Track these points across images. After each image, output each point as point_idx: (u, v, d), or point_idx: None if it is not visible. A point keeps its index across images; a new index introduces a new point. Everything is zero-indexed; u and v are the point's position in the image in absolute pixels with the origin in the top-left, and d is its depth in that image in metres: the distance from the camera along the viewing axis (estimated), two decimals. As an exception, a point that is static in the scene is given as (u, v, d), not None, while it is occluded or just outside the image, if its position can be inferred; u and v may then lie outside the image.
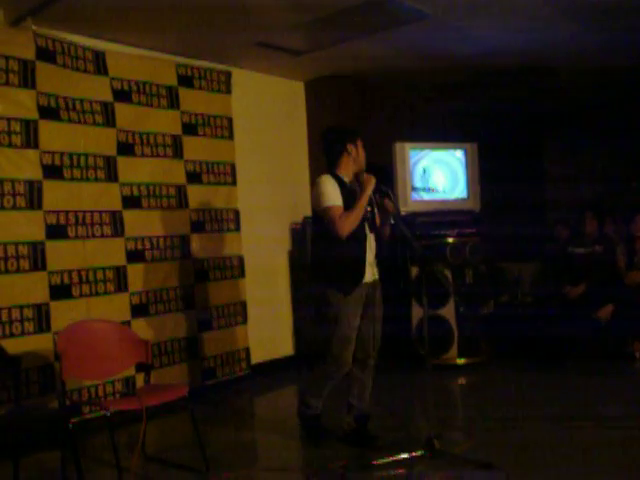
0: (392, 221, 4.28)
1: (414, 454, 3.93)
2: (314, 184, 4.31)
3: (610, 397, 5.26)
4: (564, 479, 3.68)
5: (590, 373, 5.98)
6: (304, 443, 4.53)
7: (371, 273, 4.26)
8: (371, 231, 4.28)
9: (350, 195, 4.20)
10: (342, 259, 4.15)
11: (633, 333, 6.38)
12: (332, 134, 4.43)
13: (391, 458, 3.92)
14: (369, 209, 4.26)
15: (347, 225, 4.06)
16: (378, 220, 4.38)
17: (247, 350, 6.41)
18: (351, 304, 4.16)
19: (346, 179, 4.28)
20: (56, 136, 5.06)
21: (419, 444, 3.97)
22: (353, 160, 4.30)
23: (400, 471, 3.83)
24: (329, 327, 4.19)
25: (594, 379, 5.78)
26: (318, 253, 4.37)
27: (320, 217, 4.21)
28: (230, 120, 6.42)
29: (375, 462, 3.90)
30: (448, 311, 6.45)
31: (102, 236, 5.34)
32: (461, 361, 6.49)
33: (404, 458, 3.92)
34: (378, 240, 4.33)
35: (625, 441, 4.19)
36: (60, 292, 5.02)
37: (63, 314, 4.93)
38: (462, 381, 6.27)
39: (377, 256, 4.31)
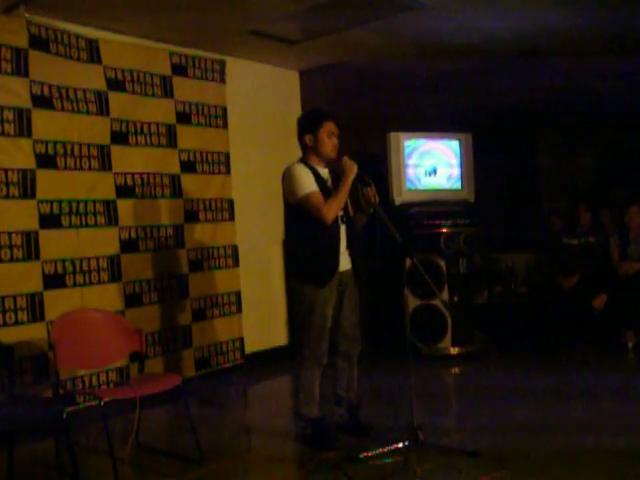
0: (372, 211, 4.16)
1: (397, 446, 3.91)
2: (285, 174, 4.17)
3: (603, 387, 5.29)
4: (557, 469, 3.70)
5: (583, 363, 6.02)
6: (297, 433, 4.52)
7: (344, 261, 4.20)
8: (342, 222, 4.19)
9: (322, 184, 4.12)
10: (316, 251, 4.11)
11: (626, 323, 6.41)
12: (297, 124, 4.30)
13: (376, 451, 3.90)
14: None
15: (332, 211, 3.99)
16: (351, 210, 4.29)
17: (241, 340, 6.41)
18: (325, 295, 4.10)
19: (317, 168, 4.18)
20: (49, 125, 5.04)
21: (404, 435, 3.96)
22: (313, 150, 4.19)
23: (389, 460, 3.84)
24: (303, 320, 4.15)
25: (587, 369, 5.80)
26: (292, 247, 4.34)
27: (295, 208, 4.13)
28: (224, 109, 6.40)
29: (361, 456, 3.89)
30: (444, 298, 6.44)
31: (96, 225, 5.33)
32: (455, 351, 6.51)
33: (389, 450, 3.90)
34: (351, 230, 4.25)
35: (617, 433, 4.21)
36: (54, 281, 5.01)
37: (57, 303, 4.93)
38: (455, 371, 6.29)
39: (349, 246, 4.23)
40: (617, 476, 3.58)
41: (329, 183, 4.18)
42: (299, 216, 4.12)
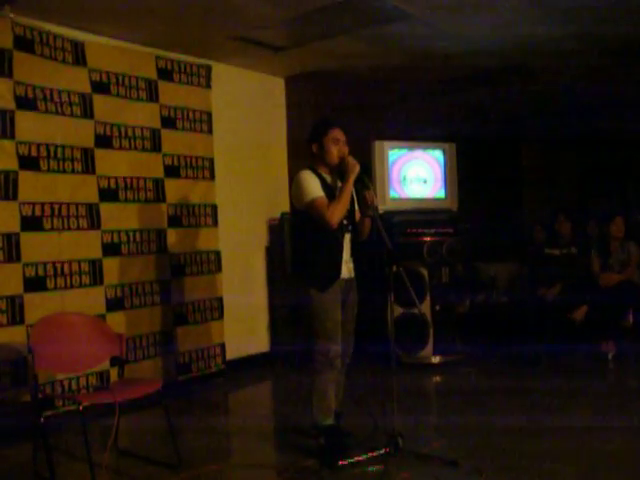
0: (371, 214, 4.21)
1: (378, 453, 3.92)
2: (293, 181, 4.25)
3: (583, 397, 5.32)
4: (536, 478, 3.71)
5: (564, 373, 6.04)
6: (277, 440, 4.51)
7: (347, 270, 4.26)
8: (347, 230, 4.25)
9: (329, 191, 4.16)
10: (319, 257, 4.14)
11: (606, 334, 6.45)
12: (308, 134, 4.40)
13: (357, 458, 3.91)
14: (348, 207, 4.23)
15: (336, 213, 4.02)
16: (358, 216, 4.35)
17: (222, 346, 6.39)
18: (330, 298, 4.13)
19: (324, 175, 4.24)
20: (33, 127, 5.01)
21: (385, 443, 3.96)
22: (320, 158, 4.25)
23: (369, 468, 3.84)
24: (312, 325, 4.16)
25: (568, 379, 5.83)
26: (297, 251, 4.36)
27: (301, 214, 4.17)
28: (209, 114, 6.40)
29: (342, 462, 3.88)
30: (423, 309, 6.46)
31: (78, 228, 5.29)
32: (436, 359, 6.52)
33: (370, 457, 3.90)
34: (355, 238, 4.31)
35: (596, 440, 4.24)
36: (34, 284, 4.97)
37: (37, 306, 4.89)
38: (437, 379, 6.30)
39: (353, 254, 4.29)
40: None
41: (337, 190, 4.20)
42: (306, 222, 4.16)
